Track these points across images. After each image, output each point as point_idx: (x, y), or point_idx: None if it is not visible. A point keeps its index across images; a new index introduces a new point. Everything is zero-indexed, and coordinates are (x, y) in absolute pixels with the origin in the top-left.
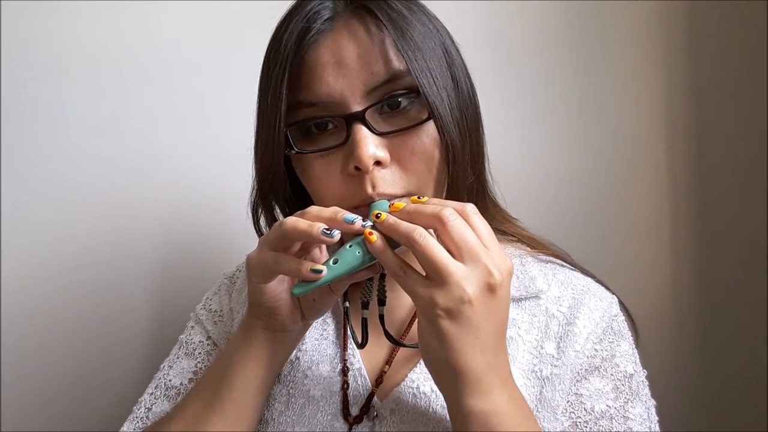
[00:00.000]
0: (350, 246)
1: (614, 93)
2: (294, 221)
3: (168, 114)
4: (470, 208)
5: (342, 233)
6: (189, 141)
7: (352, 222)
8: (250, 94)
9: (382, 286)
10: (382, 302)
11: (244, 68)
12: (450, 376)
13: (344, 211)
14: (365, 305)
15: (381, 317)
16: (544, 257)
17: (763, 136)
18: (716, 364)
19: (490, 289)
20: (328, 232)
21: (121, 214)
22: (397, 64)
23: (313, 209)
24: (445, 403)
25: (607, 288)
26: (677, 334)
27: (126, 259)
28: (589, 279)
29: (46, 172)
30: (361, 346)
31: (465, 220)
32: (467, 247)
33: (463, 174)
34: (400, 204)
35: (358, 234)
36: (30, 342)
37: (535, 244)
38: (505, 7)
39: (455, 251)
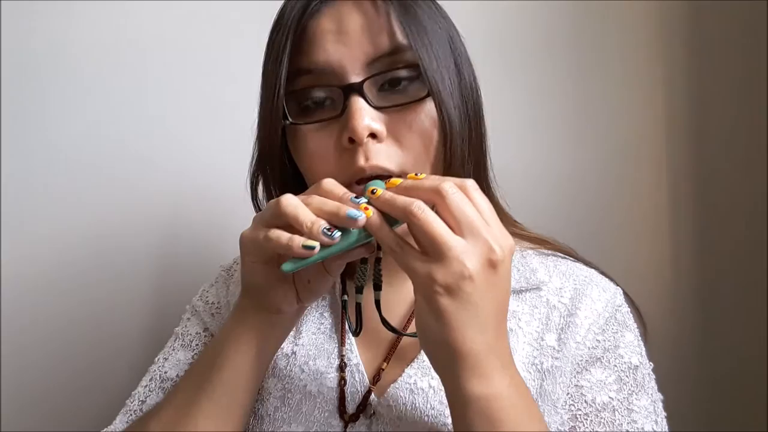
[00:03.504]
0: None
1: (615, 93)
2: (295, 207)
3: (165, 108)
4: (470, 184)
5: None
6: (187, 135)
7: (356, 219)
8: (250, 89)
9: (377, 270)
10: (378, 287)
11: (244, 63)
12: (448, 358)
13: (347, 207)
14: (359, 289)
15: (377, 303)
16: (546, 251)
17: (763, 136)
18: (716, 361)
19: (492, 265)
20: (329, 233)
21: (118, 209)
22: (401, 38)
23: (316, 199)
24: (443, 399)
25: (611, 279)
26: (677, 332)
27: (123, 254)
28: (592, 270)
29: (43, 167)
30: (356, 333)
31: (465, 195)
32: (467, 221)
33: (461, 160)
34: (397, 180)
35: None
36: (29, 337)
37: (539, 242)
38: (504, 7)
39: (455, 225)
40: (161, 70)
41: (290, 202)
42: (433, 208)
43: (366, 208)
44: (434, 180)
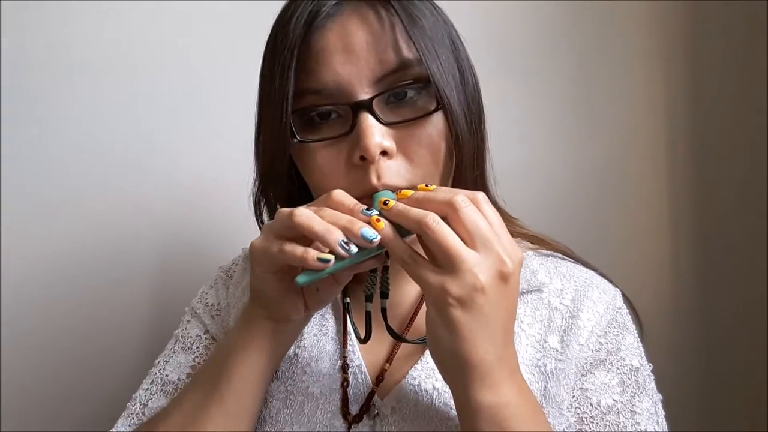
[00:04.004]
0: None
1: (614, 91)
2: (309, 219)
3: (164, 111)
4: (481, 197)
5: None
6: (186, 137)
7: (371, 240)
8: (250, 93)
9: (385, 278)
10: (385, 295)
11: (242, 65)
12: (459, 369)
13: (361, 224)
14: (369, 298)
15: (383, 311)
16: (545, 252)
17: (764, 136)
18: (716, 361)
19: (503, 277)
20: (346, 246)
21: (118, 210)
22: (408, 52)
23: (328, 212)
24: (447, 401)
25: (610, 281)
26: (677, 332)
27: (122, 255)
28: (592, 272)
29: (43, 169)
30: (363, 341)
31: (477, 208)
32: (480, 235)
33: (470, 168)
34: (408, 192)
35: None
36: (28, 339)
37: (537, 241)
38: (505, 6)
39: (467, 238)
40: (162, 72)
41: (303, 213)
42: (444, 219)
43: (378, 220)
44: (446, 193)
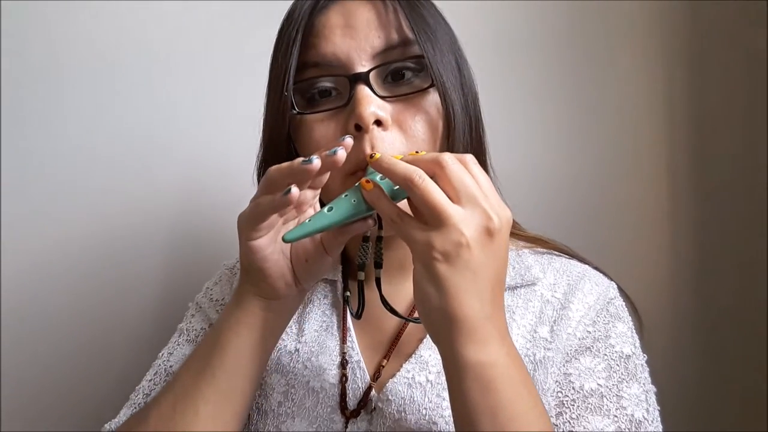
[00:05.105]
0: (346, 195)
1: (614, 92)
2: (276, 166)
3: (170, 108)
4: (469, 158)
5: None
6: (191, 133)
7: (335, 153)
8: (255, 88)
9: (378, 248)
10: (378, 265)
11: (253, 59)
12: (445, 325)
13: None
14: (361, 267)
15: (378, 281)
16: (541, 250)
17: (763, 136)
18: (715, 358)
19: (489, 233)
20: (308, 160)
21: (124, 208)
22: (407, 31)
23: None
24: (440, 392)
25: (606, 274)
26: (676, 329)
27: (127, 253)
28: (586, 266)
29: (48, 163)
30: (357, 315)
31: (464, 167)
32: (466, 191)
33: (464, 151)
34: (399, 156)
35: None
36: (31, 332)
37: (534, 241)
38: (505, 7)
39: (453, 195)
40: (169, 67)
41: (272, 167)
42: (432, 178)
43: (367, 182)
44: (434, 153)
